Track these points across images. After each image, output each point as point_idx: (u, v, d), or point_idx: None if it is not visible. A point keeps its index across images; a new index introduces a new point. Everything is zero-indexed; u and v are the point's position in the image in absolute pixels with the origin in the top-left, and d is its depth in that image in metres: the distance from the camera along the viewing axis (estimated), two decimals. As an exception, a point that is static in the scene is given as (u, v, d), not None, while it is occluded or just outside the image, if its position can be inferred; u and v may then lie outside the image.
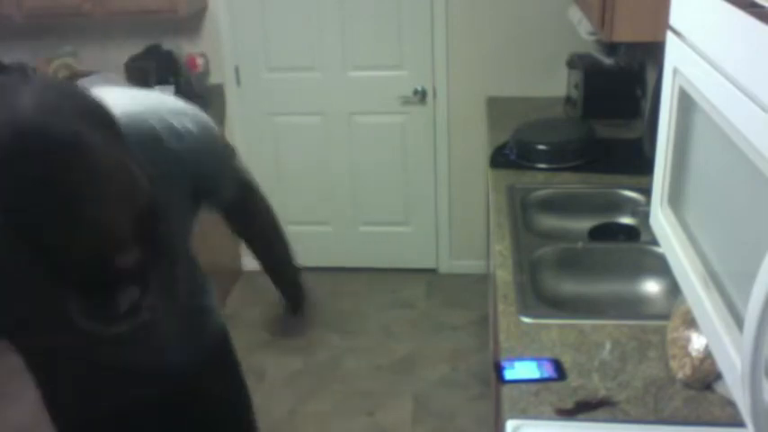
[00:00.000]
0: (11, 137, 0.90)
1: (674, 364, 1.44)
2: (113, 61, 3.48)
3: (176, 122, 1.31)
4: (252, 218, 1.66)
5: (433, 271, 3.84)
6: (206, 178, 1.39)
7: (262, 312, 3.43)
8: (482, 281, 3.56)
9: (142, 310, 1.34)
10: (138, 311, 1.34)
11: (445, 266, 3.84)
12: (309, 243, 3.80)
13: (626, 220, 2.24)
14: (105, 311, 1.30)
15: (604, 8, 1.97)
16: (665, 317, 1.55)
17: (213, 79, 3.56)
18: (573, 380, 1.46)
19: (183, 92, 3.27)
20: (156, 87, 3.22)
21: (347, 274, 3.80)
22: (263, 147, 3.67)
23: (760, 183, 0.72)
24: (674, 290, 1.72)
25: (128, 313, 1.32)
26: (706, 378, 1.39)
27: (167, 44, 3.49)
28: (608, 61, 3.03)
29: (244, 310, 3.49)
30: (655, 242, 1.29)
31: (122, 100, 1.22)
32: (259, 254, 1.70)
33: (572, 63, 3.14)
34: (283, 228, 1.70)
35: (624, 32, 1.95)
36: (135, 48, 3.46)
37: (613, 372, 1.48)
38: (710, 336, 0.87)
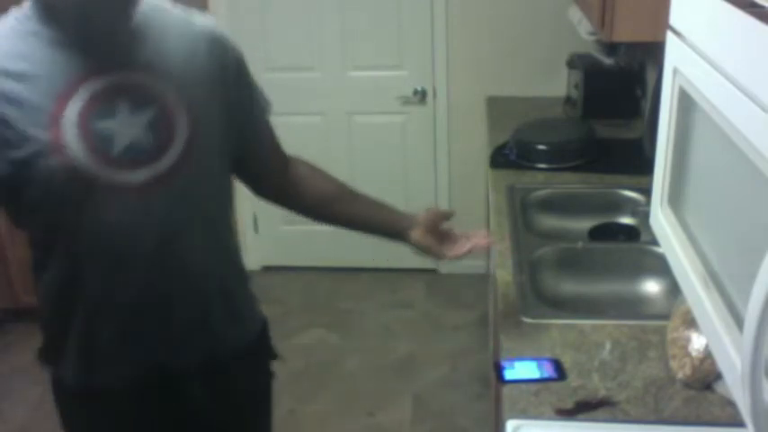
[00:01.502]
0: None
1: (674, 364, 1.44)
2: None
3: (203, 16, 1.37)
4: (310, 173, 1.59)
5: (433, 271, 3.84)
6: (235, 74, 1.39)
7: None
8: (482, 281, 3.56)
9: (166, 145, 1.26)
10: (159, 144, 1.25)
11: (445, 266, 3.83)
12: (309, 243, 3.80)
13: (626, 220, 2.24)
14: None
15: (604, 8, 1.97)
16: (665, 317, 1.55)
17: (213, 79, 3.56)
18: (573, 380, 1.46)
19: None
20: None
21: (347, 274, 3.80)
22: (263, 147, 3.67)
23: (760, 183, 0.72)
24: (674, 290, 1.72)
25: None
26: (706, 378, 1.39)
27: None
28: (608, 61, 3.03)
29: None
30: (655, 242, 1.29)
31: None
32: (348, 199, 1.67)
33: (572, 63, 3.14)
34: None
35: (624, 32, 1.95)
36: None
37: (613, 372, 1.48)
38: (710, 336, 0.87)
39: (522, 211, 2.23)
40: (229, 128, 1.38)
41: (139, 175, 1.24)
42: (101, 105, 1.21)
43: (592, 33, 2.69)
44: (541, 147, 2.55)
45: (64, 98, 1.19)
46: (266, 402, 1.64)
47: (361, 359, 3.21)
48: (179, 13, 1.34)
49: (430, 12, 3.39)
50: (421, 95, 3.52)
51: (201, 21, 1.36)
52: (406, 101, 3.54)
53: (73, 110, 1.19)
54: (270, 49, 3.48)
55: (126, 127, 1.22)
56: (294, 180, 1.56)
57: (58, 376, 1.42)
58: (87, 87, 1.20)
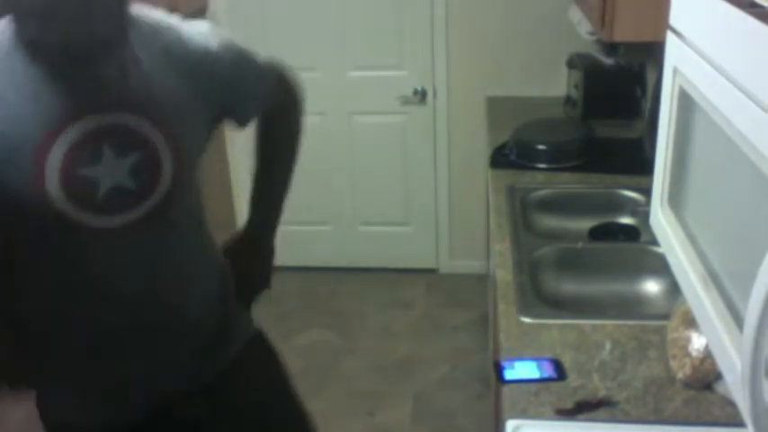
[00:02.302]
0: None
1: (674, 364, 1.44)
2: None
3: (194, 28, 1.31)
4: (272, 134, 1.56)
5: (433, 271, 3.84)
6: (230, 89, 1.35)
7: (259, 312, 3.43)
8: (482, 281, 3.56)
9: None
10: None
11: (445, 266, 3.84)
12: (309, 243, 3.80)
13: (626, 220, 2.24)
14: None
15: (604, 8, 1.97)
16: (665, 317, 1.55)
17: (213, 79, 3.56)
18: (573, 380, 1.46)
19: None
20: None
21: (347, 274, 3.80)
22: (263, 147, 3.67)
23: (760, 183, 0.72)
24: (674, 290, 1.72)
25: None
26: (706, 378, 1.39)
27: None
28: (608, 61, 3.02)
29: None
30: (655, 242, 1.29)
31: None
32: (257, 171, 1.58)
33: (572, 63, 3.14)
34: (295, 161, 1.60)
35: (624, 32, 1.95)
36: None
37: (613, 372, 1.48)
38: (710, 336, 0.87)
39: (522, 211, 2.22)
40: (212, 134, 1.37)
41: (121, 219, 1.22)
42: (86, 151, 1.16)
43: (592, 33, 2.69)
44: (541, 147, 2.55)
45: (47, 142, 1.13)
46: (280, 381, 1.62)
47: (361, 359, 3.21)
48: (173, 31, 1.28)
49: (430, 12, 3.39)
50: (421, 95, 3.52)
51: (195, 38, 1.30)
52: (406, 101, 3.54)
53: (56, 155, 1.14)
54: (270, 49, 3.46)
55: (110, 172, 1.18)
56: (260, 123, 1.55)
57: (43, 406, 1.42)
58: (73, 130, 1.15)
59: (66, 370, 1.36)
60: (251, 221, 1.59)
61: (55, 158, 1.14)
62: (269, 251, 1.62)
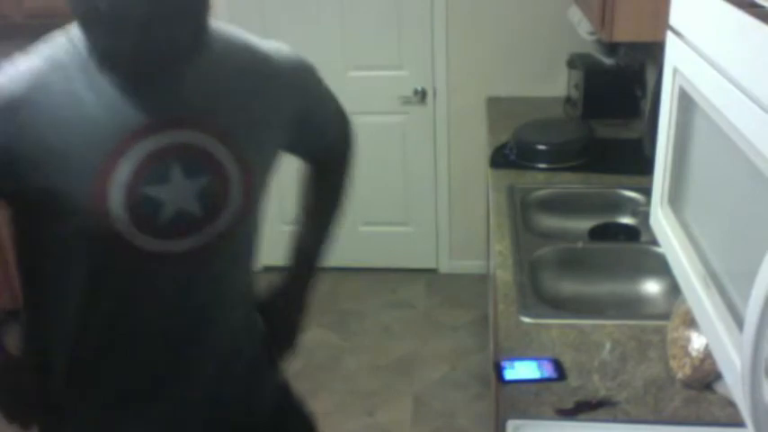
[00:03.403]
0: None
1: (674, 364, 1.44)
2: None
3: (274, 49, 1.24)
4: (321, 183, 1.46)
5: (433, 271, 3.84)
6: (308, 111, 1.28)
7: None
8: (482, 281, 3.56)
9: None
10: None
11: (445, 266, 3.84)
12: (309, 243, 3.80)
13: (626, 220, 2.24)
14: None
15: (604, 8, 1.97)
16: (665, 317, 1.55)
17: (213, 79, 3.55)
18: (573, 380, 1.46)
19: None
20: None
21: (347, 274, 3.80)
22: (263, 147, 3.67)
23: (760, 183, 0.72)
24: (674, 290, 1.72)
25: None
26: (706, 378, 1.39)
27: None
28: (608, 61, 3.03)
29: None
30: (655, 242, 1.29)
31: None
32: (299, 221, 1.48)
33: (572, 63, 3.14)
34: (340, 214, 1.50)
35: (624, 32, 1.95)
36: (135, 48, 3.46)
37: (613, 372, 1.48)
38: (710, 336, 0.87)
39: (522, 211, 2.23)
40: (278, 161, 1.30)
41: (182, 245, 1.14)
42: (154, 168, 1.09)
43: (592, 33, 2.69)
44: (541, 147, 2.55)
45: (114, 156, 1.07)
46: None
47: (361, 359, 3.21)
48: (251, 50, 1.21)
49: (430, 12, 3.39)
50: (421, 95, 3.52)
51: (275, 60, 1.23)
52: (406, 101, 3.54)
53: (123, 171, 1.07)
54: (270, 49, 3.48)
55: (176, 194, 1.11)
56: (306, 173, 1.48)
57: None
58: (142, 146, 1.08)
59: (97, 396, 1.29)
60: (287, 273, 1.49)
61: (121, 175, 1.07)
62: (299, 308, 1.51)
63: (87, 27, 1.05)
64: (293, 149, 1.33)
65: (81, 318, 1.21)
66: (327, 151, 1.43)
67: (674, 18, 1.03)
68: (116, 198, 1.07)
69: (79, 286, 1.17)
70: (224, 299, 1.27)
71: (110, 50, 1.06)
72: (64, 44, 1.09)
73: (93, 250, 1.13)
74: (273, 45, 1.25)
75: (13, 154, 1.05)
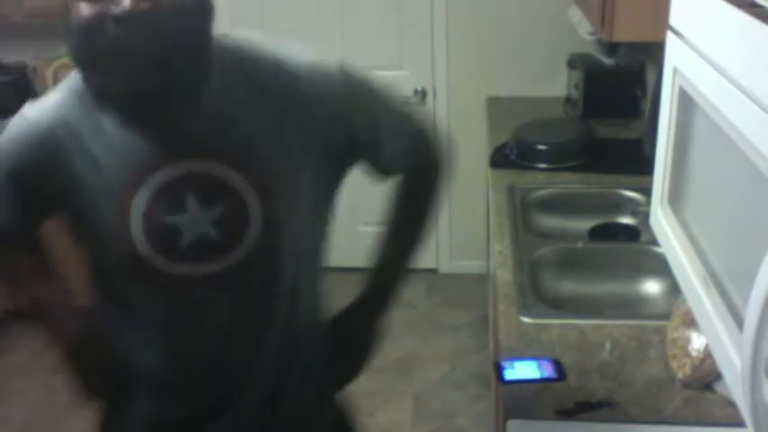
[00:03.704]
0: None
1: (674, 364, 1.44)
2: (113, 61, 3.48)
3: (300, 57, 1.15)
4: (402, 199, 1.36)
5: (433, 271, 3.84)
6: (359, 126, 1.19)
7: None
8: (482, 281, 3.56)
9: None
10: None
11: (445, 266, 3.83)
12: (309, 243, 3.80)
13: (626, 220, 2.24)
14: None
15: (604, 8, 1.97)
16: (665, 317, 1.55)
17: (213, 79, 3.55)
18: (573, 380, 1.46)
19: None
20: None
21: (347, 274, 3.79)
22: (263, 147, 3.67)
23: (760, 183, 0.72)
24: (674, 290, 1.72)
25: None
26: (706, 378, 1.39)
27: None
28: (608, 61, 3.03)
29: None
30: (655, 242, 1.29)
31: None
32: (382, 237, 1.39)
33: (572, 63, 3.14)
34: (428, 233, 1.37)
35: (624, 32, 1.95)
36: (135, 48, 3.46)
37: (613, 372, 1.48)
38: (710, 336, 0.87)
39: (522, 211, 2.22)
40: (331, 184, 1.24)
41: (206, 268, 1.13)
42: (169, 199, 1.10)
43: (592, 33, 2.69)
44: (541, 147, 2.55)
45: (132, 187, 1.09)
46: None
47: (361, 359, 3.20)
48: (269, 61, 1.13)
49: (430, 12, 3.38)
50: (421, 95, 3.52)
51: (311, 72, 1.14)
52: (406, 101, 3.54)
53: (140, 201, 1.09)
54: (270, 49, 3.48)
55: (193, 222, 1.10)
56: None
57: None
58: (156, 177, 1.09)
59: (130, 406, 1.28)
60: (365, 291, 1.38)
61: (139, 203, 1.09)
62: (375, 333, 1.41)
63: (84, 68, 1.06)
64: (358, 167, 1.26)
65: (123, 339, 1.22)
66: (403, 165, 1.32)
67: (674, 18, 1.03)
68: (137, 226, 1.10)
69: (117, 309, 1.20)
70: (269, 322, 1.21)
71: (104, 92, 1.07)
72: (71, 85, 1.12)
73: (123, 276, 1.15)
74: (304, 58, 1.16)
75: (51, 184, 1.12)
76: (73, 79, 1.13)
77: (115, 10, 0.96)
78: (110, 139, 1.09)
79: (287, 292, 1.20)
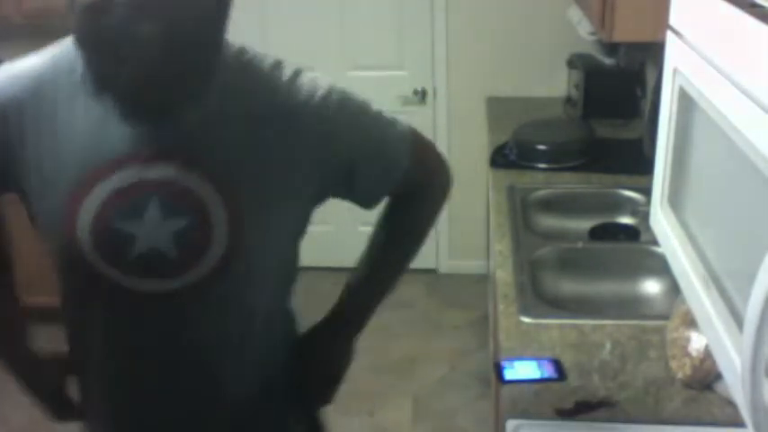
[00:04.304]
0: None
1: (674, 364, 1.44)
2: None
3: (304, 79, 1.08)
4: (395, 220, 1.27)
5: (432, 271, 3.84)
6: (344, 162, 1.10)
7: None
8: (482, 281, 3.56)
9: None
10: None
11: (445, 266, 3.83)
12: (309, 243, 3.79)
13: (626, 220, 2.24)
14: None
15: (604, 8, 1.97)
16: (665, 317, 1.55)
17: (213, 79, 3.55)
18: (573, 380, 1.46)
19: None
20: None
21: (347, 275, 3.79)
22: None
23: (760, 183, 0.72)
24: (674, 290, 1.72)
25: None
26: (706, 378, 1.39)
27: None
28: (608, 61, 3.02)
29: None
30: (655, 242, 1.29)
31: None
32: (364, 254, 1.32)
33: (572, 63, 3.14)
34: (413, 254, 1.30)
35: (624, 32, 1.95)
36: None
37: (613, 372, 1.48)
38: (710, 336, 0.87)
39: (522, 211, 2.22)
40: (308, 210, 1.16)
41: (153, 285, 1.05)
42: (128, 202, 1.01)
43: (592, 33, 2.69)
44: (541, 147, 2.55)
45: (90, 182, 1.00)
46: None
47: (361, 359, 3.19)
48: (278, 86, 1.07)
49: (430, 12, 3.38)
50: (421, 95, 3.52)
51: (309, 99, 1.07)
52: (406, 101, 3.54)
53: (94, 200, 1.01)
54: (270, 49, 3.47)
55: (150, 231, 1.02)
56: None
57: None
58: (119, 176, 1.00)
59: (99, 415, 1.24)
60: (338, 310, 1.33)
61: (92, 203, 1.01)
62: (345, 354, 1.35)
63: (87, 50, 0.99)
64: (345, 195, 1.18)
65: (76, 339, 1.18)
66: (399, 188, 1.22)
67: (674, 18, 1.03)
68: (84, 226, 1.01)
69: (68, 305, 1.15)
70: (228, 344, 1.14)
71: (106, 78, 0.99)
72: (71, 52, 1.04)
73: (72, 276, 1.09)
74: (305, 82, 1.09)
75: (9, 155, 1.04)
76: (59, 48, 1.06)
77: None
78: (81, 122, 1.01)
79: (246, 314, 1.13)
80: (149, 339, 1.11)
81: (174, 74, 0.97)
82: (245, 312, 1.13)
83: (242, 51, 1.09)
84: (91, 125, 1.01)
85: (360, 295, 1.33)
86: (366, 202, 1.20)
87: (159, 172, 1.01)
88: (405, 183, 1.19)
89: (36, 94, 1.04)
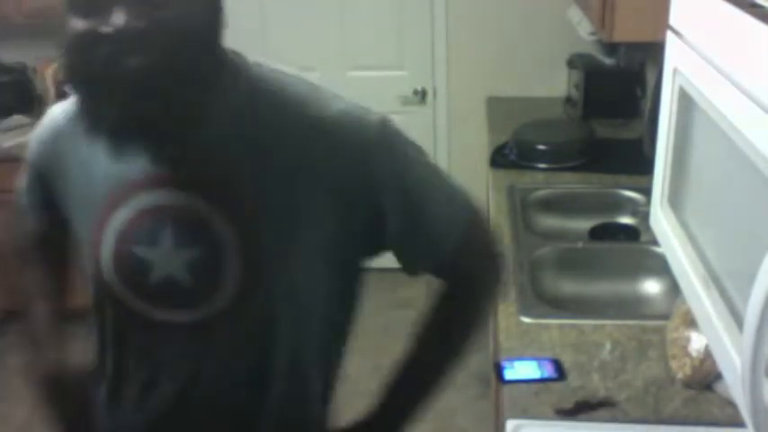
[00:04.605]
0: None
1: (674, 364, 1.44)
2: (113, 61, 3.48)
3: (336, 105, 1.01)
4: (439, 314, 1.18)
5: (433, 271, 3.83)
6: (389, 199, 0.99)
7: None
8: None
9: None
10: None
11: (445, 266, 3.83)
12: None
13: (626, 220, 2.24)
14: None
15: (604, 8, 1.98)
16: (665, 317, 1.55)
17: (213, 79, 3.55)
18: (573, 380, 1.46)
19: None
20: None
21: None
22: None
23: (760, 183, 0.72)
24: (674, 290, 1.72)
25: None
26: (706, 378, 1.39)
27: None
28: (608, 61, 3.03)
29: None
30: (655, 242, 1.29)
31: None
32: (407, 353, 1.22)
33: (572, 63, 3.14)
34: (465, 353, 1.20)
35: (624, 32, 1.95)
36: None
37: (613, 372, 1.48)
38: (710, 336, 0.87)
39: (522, 211, 2.22)
40: (351, 258, 1.08)
41: (179, 316, 1.02)
42: (144, 228, 0.99)
43: (592, 33, 2.69)
44: (541, 147, 2.55)
45: (110, 207, 1.00)
46: None
47: (362, 359, 3.20)
48: (294, 97, 0.99)
49: (430, 12, 3.38)
50: (421, 95, 3.52)
51: (324, 112, 0.98)
52: (406, 101, 3.54)
53: (115, 224, 1.00)
54: (270, 49, 3.48)
55: (165, 260, 0.99)
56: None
57: None
58: (136, 200, 0.98)
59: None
60: (378, 412, 1.27)
61: (113, 228, 1.00)
62: None
63: (75, 87, 0.95)
64: (391, 251, 1.07)
65: (108, 367, 1.14)
66: (445, 267, 1.10)
67: (674, 18, 1.03)
68: (107, 253, 1.01)
69: (102, 337, 1.12)
70: (251, 385, 1.07)
71: (96, 116, 0.92)
72: (60, 109, 1.09)
73: (103, 307, 1.08)
74: (336, 107, 1.00)
75: (55, 182, 1.09)
76: None
77: (106, 28, 0.85)
78: (102, 154, 0.97)
79: (274, 372, 1.06)
80: (171, 371, 1.06)
81: (166, 105, 0.89)
82: (274, 357, 1.05)
83: (257, 67, 1.03)
84: (108, 156, 0.97)
85: (405, 394, 1.23)
86: (405, 265, 1.11)
87: (172, 199, 0.98)
88: (450, 265, 1.08)
89: (69, 123, 1.05)
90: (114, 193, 1.00)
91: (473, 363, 3.15)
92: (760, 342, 0.65)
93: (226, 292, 0.98)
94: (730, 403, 1.33)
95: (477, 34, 3.39)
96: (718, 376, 1.36)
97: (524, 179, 2.45)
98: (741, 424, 0.74)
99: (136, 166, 0.97)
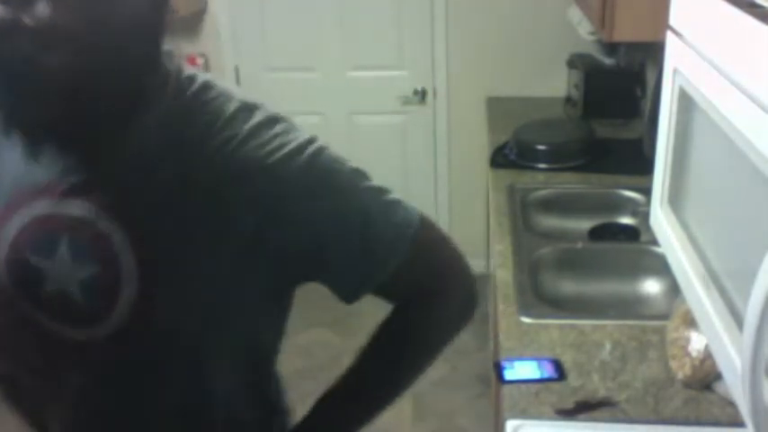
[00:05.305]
0: None
1: (674, 364, 1.44)
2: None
3: (275, 126, 0.92)
4: (393, 330, 1.13)
5: (433, 271, 3.84)
6: (307, 234, 0.92)
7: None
8: (482, 281, 3.56)
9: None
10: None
11: (445, 266, 3.83)
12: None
13: (626, 220, 2.24)
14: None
15: (604, 8, 1.98)
16: (665, 317, 1.55)
17: (213, 79, 3.55)
18: (573, 380, 1.46)
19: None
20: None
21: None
22: (263, 147, 3.67)
23: (760, 183, 0.72)
24: (674, 290, 1.72)
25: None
26: (706, 378, 1.39)
27: (167, 44, 3.48)
28: (608, 61, 3.03)
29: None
30: (655, 242, 1.29)
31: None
32: (354, 365, 1.17)
33: (572, 63, 3.14)
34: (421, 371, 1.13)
35: (624, 32, 1.95)
36: (135, 48, 3.46)
37: (613, 372, 1.48)
38: (710, 336, 0.87)
39: (522, 211, 2.22)
40: (273, 301, 1.03)
41: (70, 333, 0.94)
42: (41, 235, 0.91)
43: (592, 33, 2.69)
44: (541, 147, 2.55)
45: (8, 210, 0.92)
46: None
47: (361, 359, 3.20)
48: (235, 124, 0.90)
49: (430, 12, 3.39)
50: (421, 95, 3.52)
51: (263, 143, 0.89)
52: (406, 101, 3.54)
53: (11, 228, 0.92)
54: (270, 49, 3.48)
55: (60, 273, 0.91)
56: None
57: None
58: (34, 206, 0.90)
59: None
60: (308, 423, 1.17)
61: (9, 231, 0.92)
62: None
63: None
64: (321, 281, 1.02)
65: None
66: (394, 289, 1.06)
67: (674, 18, 1.03)
68: (2, 255, 0.93)
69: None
70: (163, 417, 1.00)
71: (11, 114, 0.86)
72: None
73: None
74: (273, 134, 0.92)
75: None
76: None
77: (27, 20, 0.75)
78: (11, 153, 0.92)
79: (180, 388, 0.98)
80: (71, 389, 0.99)
81: (85, 110, 0.83)
82: (170, 385, 0.98)
83: (204, 88, 0.93)
84: (19, 154, 0.91)
85: (333, 412, 1.15)
86: (343, 294, 1.03)
87: (74, 209, 0.89)
88: (401, 283, 1.01)
89: None
90: (15, 195, 0.92)
91: (473, 363, 3.16)
92: (760, 342, 0.65)
93: (119, 317, 0.91)
94: (730, 403, 1.33)
95: (477, 34, 3.39)
96: (718, 376, 1.36)
97: (524, 179, 2.45)
98: (741, 424, 0.74)
99: (46, 170, 0.89)
